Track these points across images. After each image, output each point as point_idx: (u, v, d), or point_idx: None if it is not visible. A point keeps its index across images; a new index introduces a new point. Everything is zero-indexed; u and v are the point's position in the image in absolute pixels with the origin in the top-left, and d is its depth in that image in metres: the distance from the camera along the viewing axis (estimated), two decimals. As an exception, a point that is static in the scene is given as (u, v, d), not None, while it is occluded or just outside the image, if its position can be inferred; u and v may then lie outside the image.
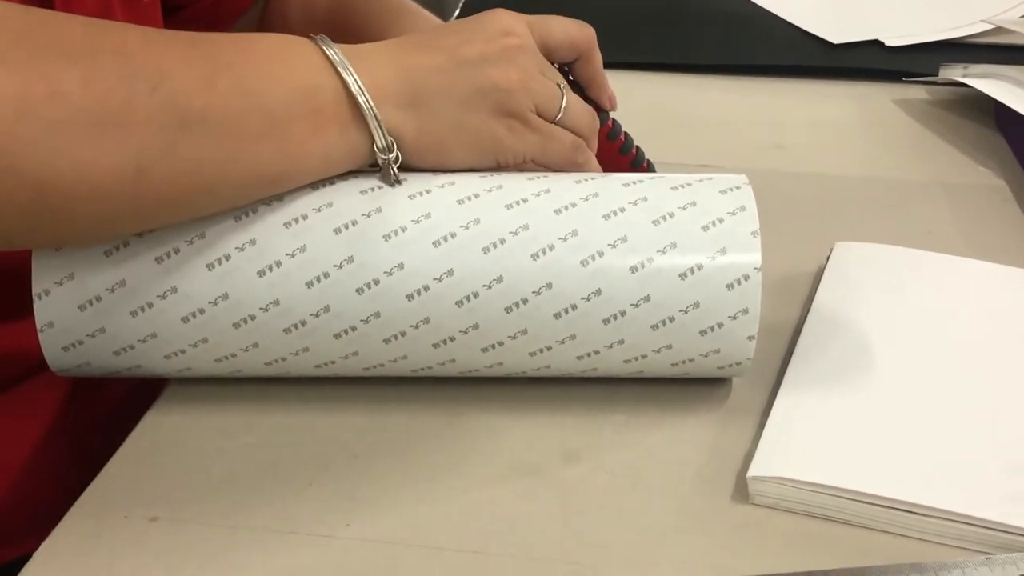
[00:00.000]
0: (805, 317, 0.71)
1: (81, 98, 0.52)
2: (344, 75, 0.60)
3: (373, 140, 0.61)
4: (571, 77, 0.71)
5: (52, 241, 0.59)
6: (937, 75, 1.07)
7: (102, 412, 0.81)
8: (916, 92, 1.08)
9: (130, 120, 0.53)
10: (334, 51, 0.60)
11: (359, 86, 0.60)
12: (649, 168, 0.75)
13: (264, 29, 0.94)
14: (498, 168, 0.65)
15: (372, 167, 0.63)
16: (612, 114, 0.74)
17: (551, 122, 0.66)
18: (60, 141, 0.52)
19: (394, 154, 0.61)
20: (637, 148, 0.75)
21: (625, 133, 0.74)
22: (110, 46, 0.55)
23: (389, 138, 0.61)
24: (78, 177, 0.53)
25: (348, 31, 0.83)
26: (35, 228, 0.55)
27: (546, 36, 0.68)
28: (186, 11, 0.91)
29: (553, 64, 0.68)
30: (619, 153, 0.73)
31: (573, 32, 0.69)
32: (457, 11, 1.27)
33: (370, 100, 0.60)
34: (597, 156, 0.69)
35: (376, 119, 0.60)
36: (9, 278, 0.73)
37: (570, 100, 0.66)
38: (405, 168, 0.63)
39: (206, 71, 0.56)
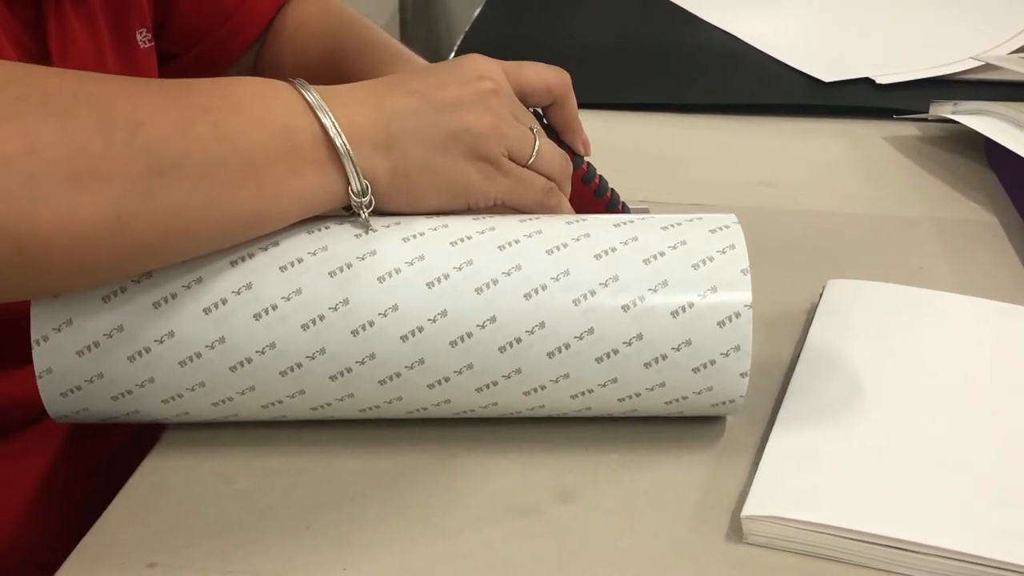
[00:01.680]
0: (798, 355, 0.71)
1: (58, 150, 0.53)
2: (322, 117, 0.60)
3: (348, 183, 0.61)
4: (546, 121, 0.72)
5: (32, 293, 0.59)
6: (927, 112, 1.07)
7: (101, 459, 0.81)
8: (907, 129, 1.09)
9: (108, 170, 0.54)
10: (312, 94, 0.61)
11: (336, 128, 0.60)
12: (624, 210, 0.76)
13: (257, 76, 0.94)
14: (468, 211, 0.66)
15: (346, 210, 0.63)
16: (591, 161, 0.75)
17: (523, 166, 0.66)
18: (39, 194, 0.52)
19: (367, 198, 0.62)
20: (612, 191, 0.75)
21: (600, 176, 0.74)
22: (86, 97, 0.55)
23: (364, 181, 0.61)
24: (58, 229, 0.53)
25: (341, 79, 0.84)
26: (14, 281, 0.55)
27: (521, 81, 0.68)
28: (181, 59, 0.92)
29: (528, 108, 0.69)
30: (594, 196, 0.74)
31: (548, 77, 0.70)
32: (453, 54, 1.28)
33: (346, 142, 0.60)
34: (572, 199, 0.70)
35: (352, 161, 0.61)
36: (10, 327, 0.73)
37: (542, 144, 0.67)
38: (378, 212, 0.63)
39: (183, 117, 0.57)
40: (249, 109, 0.59)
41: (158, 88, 0.58)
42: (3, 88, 0.53)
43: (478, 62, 0.67)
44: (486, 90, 0.65)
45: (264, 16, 0.94)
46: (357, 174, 0.61)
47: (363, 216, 0.62)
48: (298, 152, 0.60)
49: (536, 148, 0.67)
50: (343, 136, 0.60)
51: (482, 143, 0.64)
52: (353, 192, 0.61)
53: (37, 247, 0.53)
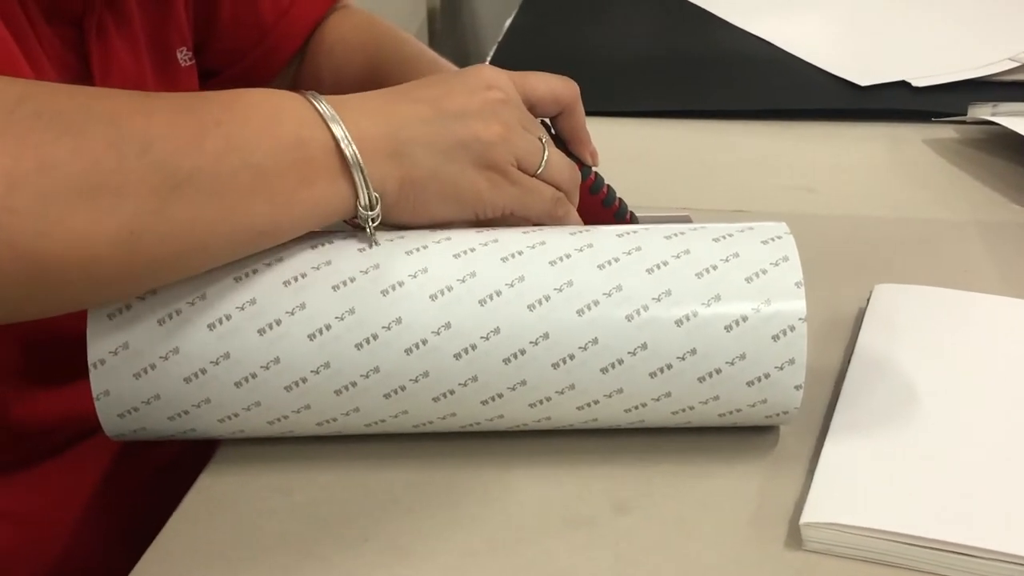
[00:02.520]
0: (848, 361, 0.71)
1: (71, 167, 0.53)
2: (333, 128, 0.61)
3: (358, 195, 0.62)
4: (553, 132, 0.72)
5: (46, 310, 0.59)
6: (966, 114, 1.07)
7: (151, 472, 0.82)
8: (946, 132, 1.09)
9: (121, 186, 0.54)
10: (324, 105, 0.61)
11: (347, 139, 0.61)
12: (632, 220, 0.76)
13: (300, 86, 0.95)
14: (476, 221, 0.66)
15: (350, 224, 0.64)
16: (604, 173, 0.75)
17: (532, 175, 0.67)
18: (53, 211, 0.53)
19: (375, 211, 0.62)
20: (620, 201, 0.75)
21: (608, 186, 0.75)
22: (99, 113, 0.56)
23: (374, 193, 0.62)
24: (72, 245, 0.54)
25: (378, 85, 0.84)
26: (30, 298, 0.56)
27: (529, 90, 0.69)
28: (222, 76, 0.93)
29: (536, 118, 0.69)
30: (602, 206, 0.74)
31: (556, 87, 0.70)
32: (488, 58, 1.28)
33: (357, 152, 0.61)
34: (582, 209, 0.70)
35: (362, 172, 0.61)
36: (62, 344, 0.74)
37: (551, 154, 0.67)
38: (386, 224, 0.64)
39: (195, 131, 0.57)
40: (260, 121, 0.60)
41: (170, 103, 0.59)
42: (17, 106, 0.54)
43: (486, 72, 0.67)
44: (495, 99, 0.66)
45: (303, 32, 0.94)
46: (367, 185, 0.61)
47: (369, 230, 0.62)
48: (310, 163, 0.60)
49: (545, 158, 0.67)
50: (354, 147, 0.61)
51: (491, 152, 0.64)
52: (361, 205, 0.62)
53: (52, 265, 0.53)
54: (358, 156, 0.61)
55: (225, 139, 0.58)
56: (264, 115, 0.60)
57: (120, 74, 0.76)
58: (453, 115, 0.64)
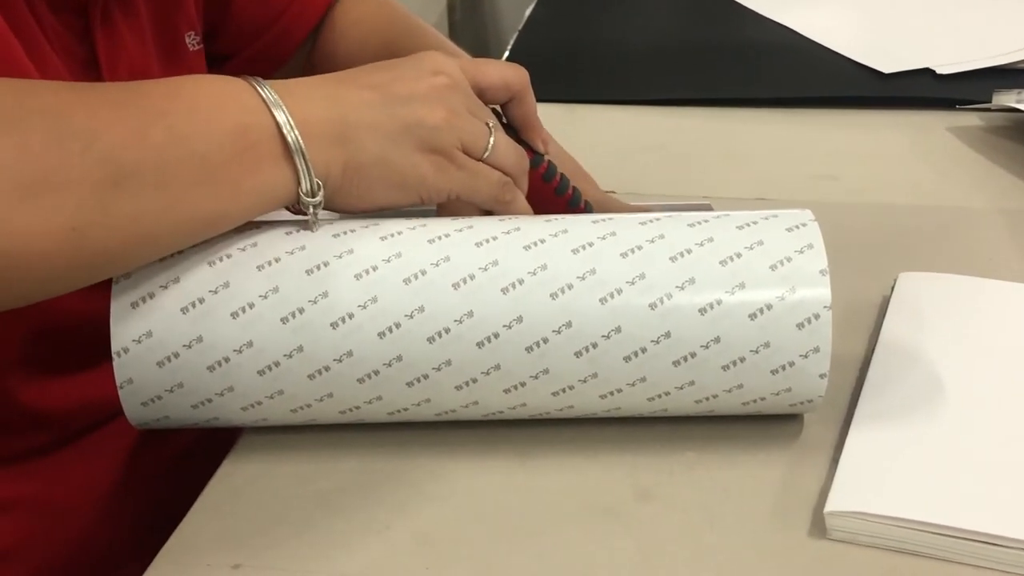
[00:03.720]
0: (873, 349, 0.71)
1: (14, 165, 0.53)
2: (276, 113, 0.61)
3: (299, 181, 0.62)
4: (505, 120, 0.72)
5: None
6: (991, 101, 1.07)
7: (169, 460, 0.83)
8: (970, 119, 1.08)
9: (64, 182, 0.54)
10: (267, 90, 0.61)
11: (290, 124, 0.61)
12: (587, 209, 0.75)
13: (313, 70, 0.95)
14: (422, 205, 0.66)
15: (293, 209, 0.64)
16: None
17: (478, 160, 0.67)
18: None
19: (318, 197, 0.62)
20: (574, 189, 0.75)
21: (561, 175, 0.74)
22: (40, 108, 0.56)
23: (316, 180, 0.62)
24: (17, 243, 0.54)
25: None
26: None
27: (479, 77, 0.69)
28: (234, 60, 0.93)
29: (487, 105, 0.69)
30: (555, 194, 0.74)
31: (507, 74, 0.70)
32: (507, 53, 1.28)
33: (299, 138, 0.61)
34: (533, 197, 0.70)
35: (303, 158, 0.61)
36: (77, 331, 0.74)
37: (498, 139, 0.67)
38: (331, 209, 0.64)
39: (139, 123, 0.58)
40: (204, 109, 0.60)
41: (114, 95, 0.59)
42: None
43: (435, 58, 0.67)
44: (441, 85, 0.66)
45: (315, 13, 0.94)
46: (308, 171, 0.61)
47: (311, 215, 0.62)
48: (254, 150, 0.60)
49: (491, 142, 0.67)
50: (296, 132, 0.61)
51: (435, 135, 0.64)
52: (303, 191, 0.62)
53: None
54: (300, 142, 0.61)
55: (169, 130, 0.58)
56: (208, 103, 0.60)
57: (127, 61, 0.76)
58: (399, 99, 0.64)
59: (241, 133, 0.60)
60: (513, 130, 0.72)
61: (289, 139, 0.61)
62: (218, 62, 0.91)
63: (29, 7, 0.69)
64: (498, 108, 0.72)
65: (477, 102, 0.68)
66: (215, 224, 0.61)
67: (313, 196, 0.62)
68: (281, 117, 0.61)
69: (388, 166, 0.64)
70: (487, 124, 0.67)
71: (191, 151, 0.58)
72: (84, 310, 0.71)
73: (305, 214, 0.63)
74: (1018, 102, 1.04)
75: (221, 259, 0.61)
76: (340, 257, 0.62)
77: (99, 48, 0.74)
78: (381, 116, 0.64)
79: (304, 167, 0.61)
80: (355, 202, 0.65)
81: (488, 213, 0.68)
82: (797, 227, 0.63)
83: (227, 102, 0.61)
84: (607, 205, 0.77)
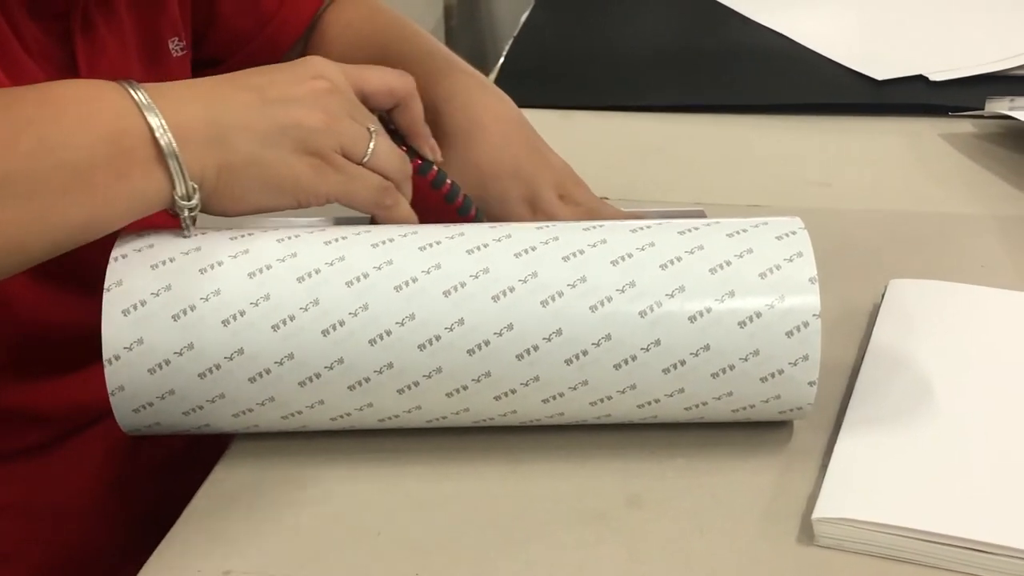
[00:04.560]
0: (863, 356, 0.71)
1: None
2: (149, 117, 0.61)
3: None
4: (392, 126, 0.72)
5: None
6: (984, 108, 1.07)
7: (159, 463, 0.83)
8: (963, 126, 1.08)
9: None
10: (141, 94, 0.61)
11: (163, 128, 0.60)
12: (478, 217, 0.75)
13: None
14: (299, 207, 0.65)
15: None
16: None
17: (358, 164, 0.66)
18: None
19: (194, 201, 0.62)
20: (465, 196, 0.75)
21: (452, 182, 0.74)
22: None
23: (191, 183, 0.62)
24: None
25: None
26: None
27: (362, 83, 0.69)
28: (224, 65, 0.93)
29: (374, 113, 0.69)
30: (445, 202, 0.74)
31: (391, 80, 0.70)
32: (502, 59, 1.28)
33: (172, 141, 0.61)
34: (422, 205, 0.70)
35: (177, 161, 0.61)
36: (63, 335, 0.74)
37: (379, 143, 0.67)
38: (208, 212, 0.63)
39: (7, 132, 0.58)
40: (75, 115, 0.60)
41: None
42: None
43: (316, 62, 0.67)
44: (320, 88, 0.66)
45: (303, 19, 0.94)
46: (183, 175, 0.61)
47: (185, 217, 0.62)
48: (126, 156, 0.60)
49: (371, 147, 0.67)
50: (169, 135, 0.60)
51: (312, 138, 0.64)
52: (178, 195, 0.61)
53: None
54: (174, 145, 0.61)
55: (38, 138, 0.58)
56: (79, 109, 0.60)
57: (107, 66, 0.76)
58: (276, 102, 0.64)
59: (112, 139, 0.60)
60: (400, 136, 0.72)
61: (162, 143, 0.60)
62: (208, 67, 0.91)
63: (4, 12, 0.69)
64: (384, 115, 0.72)
65: (359, 107, 0.68)
66: (87, 231, 0.61)
67: (189, 200, 0.62)
68: (154, 121, 0.60)
69: (263, 168, 0.64)
70: (368, 129, 0.67)
71: (61, 159, 0.58)
72: (64, 314, 0.71)
73: (180, 216, 0.62)
74: (1011, 109, 1.04)
75: (212, 267, 0.62)
76: (331, 264, 0.62)
77: (79, 53, 0.74)
78: (257, 118, 0.63)
79: (178, 171, 0.61)
80: (231, 205, 0.64)
81: (375, 221, 0.68)
82: (787, 235, 0.63)
83: (99, 107, 0.61)
84: (600, 211, 0.77)
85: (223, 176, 0.63)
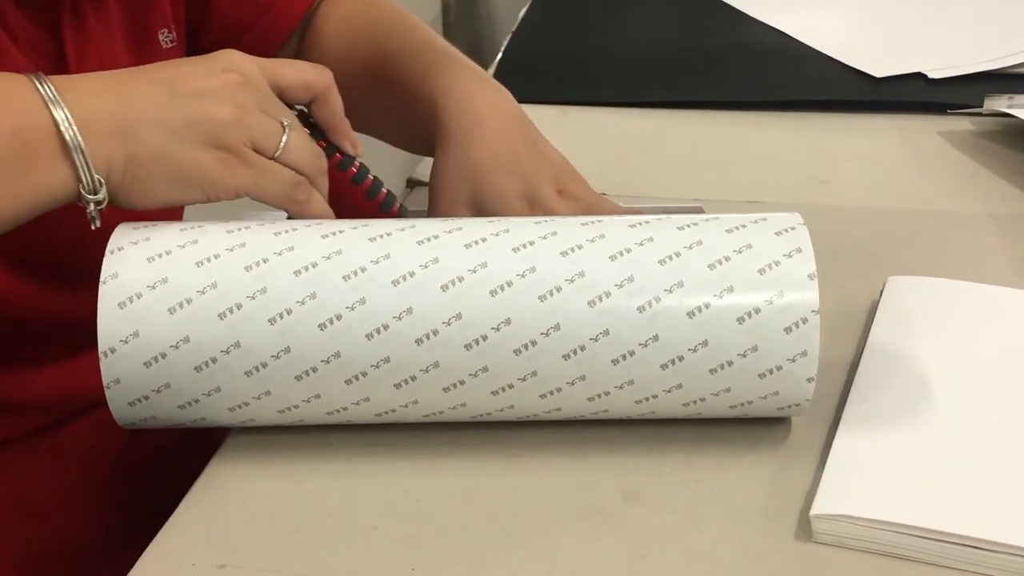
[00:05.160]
0: (861, 353, 0.71)
1: None
2: (54, 111, 0.60)
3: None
4: (312, 120, 0.72)
5: None
6: (982, 106, 1.07)
7: (151, 455, 0.82)
8: (961, 124, 1.08)
9: None
10: (47, 87, 0.61)
11: (68, 121, 0.60)
12: (401, 212, 0.75)
13: None
14: (208, 201, 0.65)
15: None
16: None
17: (270, 159, 0.66)
18: None
19: (100, 195, 0.62)
20: (388, 192, 0.74)
21: (373, 177, 0.74)
22: None
23: (97, 176, 0.61)
24: None
25: (392, 78, 0.84)
26: None
27: (278, 77, 0.68)
28: None
29: (292, 108, 0.69)
30: (366, 197, 0.74)
31: (308, 74, 0.70)
32: (500, 54, 1.28)
33: (77, 135, 0.60)
34: (345, 200, 0.70)
35: (82, 155, 0.61)
36: (48, 326, 0.74)
37: (292, 138, 0.67)
38: (114, 204, 0.63)
39: None
40: None
41: None
42: None
43: (230, 56, 0.67)
44: (232, 82, 0.65)
45: (300, 10, 0.93)
46: (88, 169, 0.61)
47: (91, 211, 0.62)
48: (30, 150, 0.60)
49: (284, 141, 0.66)
50: (75, 128, 0.60)
51: (221, 132, 0.64)
52: (84, 189, 0.61)
53: None
54: (79, 139, 0.60)
55: None
56: None
57: (95, 57, 0.76)
58: (185, 95, 0.64)
59: (15, 133, 0.60)
60: (319, 131, 0.72)
61: (67, 136, 0.60)
62: None
63: None
64: (304, 109, 0.71)
65: (274, 101, 0.67)
66: None
67: (95, 193, 0.61)
68: (59, 115, 0.60)
69: (170, 161, 0.63)
70: (281, 123, 0.66)
71: None
72: (47, 306, 0.71)
73: (87, 208, 0.62)
74: (1009, 107, 1.04)
75: (209, 260, 0.61)
76: (328, 258, 0.61)
77: (67, 44, 0.74)
78: (165, 110, 0.63)
79: (83, 164, 0.61)
80: (138, 198, 0.64)
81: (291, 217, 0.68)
82: (786, 231, 0.63)
83: (5, 101, 0.61)
84: (599, 207, 0.77)
85: (130, 169, 0.62)
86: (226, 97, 0.64)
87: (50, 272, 0.74)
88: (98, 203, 0.62)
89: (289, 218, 0.67)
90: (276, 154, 0.66)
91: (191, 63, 0.66)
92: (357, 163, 0.73)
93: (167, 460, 0.80)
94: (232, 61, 0.66)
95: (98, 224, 0.62)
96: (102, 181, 0.61)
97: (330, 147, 0.72)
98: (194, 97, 0.64)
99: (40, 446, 0.78)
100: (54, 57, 0.74)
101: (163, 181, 0.63)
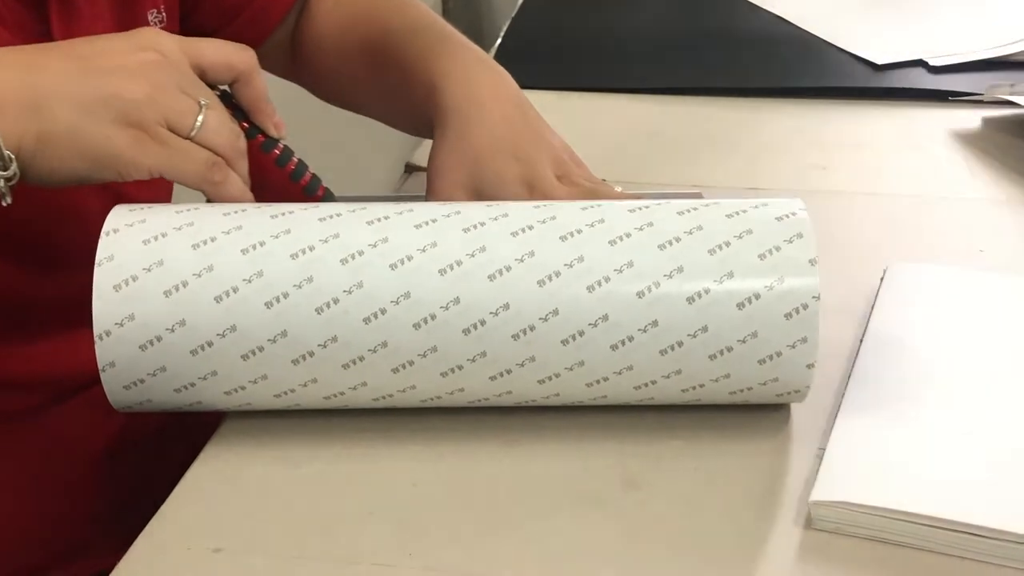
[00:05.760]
0: (861, 339, 0.71)
1: None
2: None
3: None
4: (235, 102, 0.71)
5: None
6: (984, 94, 1.06)
7: (139, 438, 0.82)
8: (963, 111, 1.08)
9: None
10: None
11: None
12: (326, 196, 0.74)
13: (298, 49, 0.94)
14: (121, 179, 0.64)
15: None
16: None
17: (185, 138, 0.65)
18: None
19: (11, 171, 0.61)
20: (313, 175, 0.73)
21: (298, 160, 0.73)
22: None
23: (7, 152, 0.60)
24: None
25: (390, 59, 0.83)
26: None
27: (198, 56, 0.67)
28: (215, 36, 0.91)
29: (215, 89, 0.68)
30: (290, 180, 0.73)
31: (230, 54, 0.69)
32: (500, 39, 1.28)
33: None
34: (265, 182, 0.69)
35: None
36: (39, 307, 0.74)
37: (209, 117, 0.65)
38: (26, 180, 0.62)
39: None
40: None
41: None
42: None
43: (148, 34, 0.66)
44: (148, 60, 0.64)
45: None
46: None
47: (1, 187, 0.61)
48: None
49: (200, 121, 0.65)
50: None
51: (134, 110, 0.63)
52: None
53: None
54: None
55: None
56: None
57: (83, 36, 0.75)
58: (99, 72, 0.63)
59: None
60: (242, 112, 0.71)
61: None
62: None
63: None
64: (227, 89, 0.71)
65: (192, 80, 0.66)
66: None
67: (5, 169, 0.61)
68: None
69: (80, 138, 0.62)
70: (199, 102, 0.65)
71: None
72: (44, 285, 0.71)
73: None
74: (1011, 94, 1.03)
75: (205, 242, 0.61)
76: (326, 242, 0.61)
77: (54, 24, 0.74)
78: (77, 87, 0.62)
79: None
80: (48, 175, 0.63)
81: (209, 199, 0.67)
82: (787, 216, 0.62)
83: None
84: (599, 192, 0.77)
85: (40, 145, 0.62)
86: (141, 74, 0.64)
87: (35, 254, 0.73)
88: (8, 179, 0.61)
89: (208, 200, 0.66)
90: (192, 134, 0.65)
91: (109, 39, 0.66)
92: (281, 145, 0.72)
93: (163, 439, 0.80)
94: (151, 39, 0.66)
95: (8, 201, 0.61)
96: (12, 157, 0.61)
97: (252, 129, 0.71)
98: (108, 74, 0.63)
99: (32, 426, 0.78)
100: (41, 37, 0.73)
101: (74, 158, 0.63)
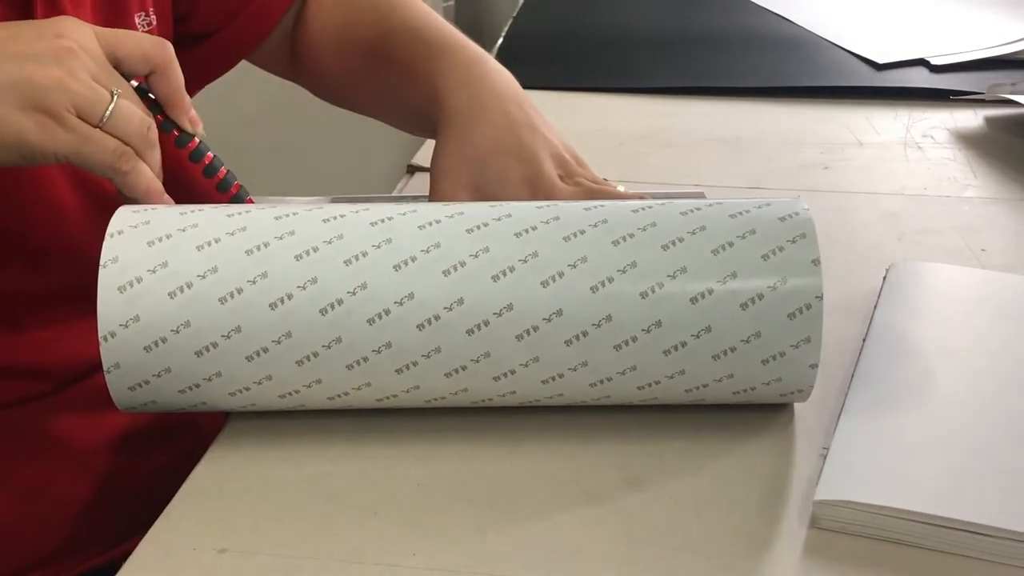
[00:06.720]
0: (865, 339, 0.71)
1: None
2: None
3: None
4: (151, 95, 0.71)
5: None
6: (985, 93, 1.06)
7: (143, 429, 0.82)
8: (964, 110, 1.08)
9: None
10: None
11: None
12: (240, 192, 0.73)
13: (298, 48, 0.94)
14: (27, 164, 0.64)
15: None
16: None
17: (95, 126, 0.64)
18: None
19: None
20: (227, 171, 0.73)
21: (214, 156, 0.73)
22: None
23: None
24: None
25: (393, 61, 0.83)
26: None
27: (114, 46, 0.67)
28: (213, 38, 0.91)
29: (130, 80, 0.68)
30: (204, 175, 0.72)
31: (146, 45, 0.69)
32: (501, 39, 1.28)
33: None
34: (180, 177, 0.69)
35: None
36: (51, 298, 0.74)
37: (121, 107, 0.65)
38: None
39: None
40: None
41: None
42: None
43: (65, 22, 0.66)
44: (61, 47, 0.64)
45: None
46: None
47: None
48: None
49: (111, 110, 0.64)
50: None
51: (42, 95, 0.63)
52: None
53: None
54: None
55: None
56: None
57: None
58: (11, 57, 0.63)
59: None
60: (158, 106, 0.70)
61: None
62: (196, 41, 0.90)
63: None
64: (144, 85, 0.70)
65: (106, 69, 0.66)
66: None
67: None
68: None
69: None
70: (111, 92, 0.65)
71: None
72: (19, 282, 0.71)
73: None
74: (1012, 93, 1.03)
75: (210, 244, 0.61)
76: (330, 243, 0.61)
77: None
78: None
79: None
80: None
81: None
82: (790, 216, 0.62)
83: None
84: (602, 192, 0.77)
85: None
86: (52, 61, 0.63)
87: (12, 248, 0.74)
88: None
89: (120, 194, 0.66)
90: (101, 122, 0.64)
91: (22, 26, 0.65)
92: (196, 140, 0.72)
93: (167, 430, 0.80)
94: (66, 27, 0.65)
95: None
96: None
97: (167, 122, 0.70)
98: (19, 59, 0.63)
99: (37, 411, 0.78)
100: None
101: None
